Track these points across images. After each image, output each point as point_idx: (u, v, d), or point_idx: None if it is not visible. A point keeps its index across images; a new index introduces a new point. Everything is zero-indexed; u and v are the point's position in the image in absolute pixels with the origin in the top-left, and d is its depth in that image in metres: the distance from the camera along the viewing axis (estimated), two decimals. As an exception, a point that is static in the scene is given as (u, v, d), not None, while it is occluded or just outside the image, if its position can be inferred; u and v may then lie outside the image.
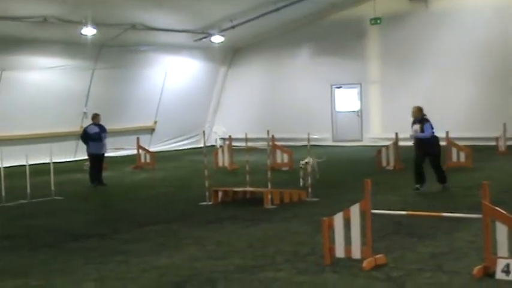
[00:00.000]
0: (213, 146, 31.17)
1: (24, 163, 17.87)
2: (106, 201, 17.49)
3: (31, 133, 26.98)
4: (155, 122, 32.13)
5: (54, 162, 18.24)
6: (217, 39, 30.35)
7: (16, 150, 23.63)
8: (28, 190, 17.28)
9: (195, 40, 30.46)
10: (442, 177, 16.66)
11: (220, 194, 16.00)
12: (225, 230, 12.60)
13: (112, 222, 14.06)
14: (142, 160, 25.69)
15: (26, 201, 17.10)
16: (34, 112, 27.12)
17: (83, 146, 21.38)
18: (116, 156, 27.16)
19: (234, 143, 24.98)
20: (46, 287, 9.12)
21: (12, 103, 26.58)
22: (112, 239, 12.26)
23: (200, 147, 28.99)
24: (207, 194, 15.90)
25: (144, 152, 25.95)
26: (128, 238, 12.26)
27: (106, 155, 21.27)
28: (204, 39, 30.38)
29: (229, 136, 26.07)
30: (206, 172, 16.21)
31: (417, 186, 16.45)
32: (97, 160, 20.51)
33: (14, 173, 19.87)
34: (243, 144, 26.66)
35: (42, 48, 27.00)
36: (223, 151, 24.28)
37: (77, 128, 27.03)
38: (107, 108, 27.40)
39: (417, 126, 16.54)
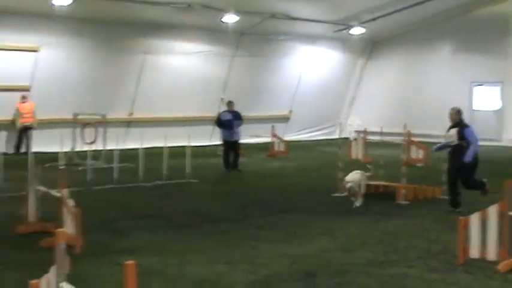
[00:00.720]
0: (347, 138, 30.98)
1: (162, 145, 18.36)
2: (239, 186, 17.74)
3: (170, 116, 27.75)
4: (290, 111, 32.31)
5: (190, 146, 18.64)
6: (357, 30, 30.15)
7: (155, 132, 24.35)
8: (164, 171, 17.79)
9: (335, 31, 30.34)
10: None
11: (353, 186, 15.91)
12: (356, 223, 12.55)
13: (244, 208, 14.25)
14: (276, 148, 25.96)
15: (161, 182, 17.59)
16: (174, 95, 27.84)
17: (218, 131, 21.80)
18: (252, 143, 27.50)
19: (368, 136, 24.79)
20: (180, 265, 9.37)
21: (154, 86, 27.42)
22: (244, 224, 12.46)
23: (333, 139, 29.04)
24: (340, 185, 15.88)
25: (278, 140, 26.19)
26: (259, 224, 12.41)
27: (242, 141, 21.51)
28: (343, 31, 30.23)
29: (364, 129, 25.90)
30: (340, 164, 16.17)
31: (459, 209, 13.60)
32: (229, 146, 20.81)
33: (153, 154, 20.42)
34: (377, 137, 26.55)
35: (184, 33, 27.67)
36: (357, 143, 24.10)
37: (213, 113, 27.43)
38: (244, 95, 27.83)
39: (454, 131, 13.84)
